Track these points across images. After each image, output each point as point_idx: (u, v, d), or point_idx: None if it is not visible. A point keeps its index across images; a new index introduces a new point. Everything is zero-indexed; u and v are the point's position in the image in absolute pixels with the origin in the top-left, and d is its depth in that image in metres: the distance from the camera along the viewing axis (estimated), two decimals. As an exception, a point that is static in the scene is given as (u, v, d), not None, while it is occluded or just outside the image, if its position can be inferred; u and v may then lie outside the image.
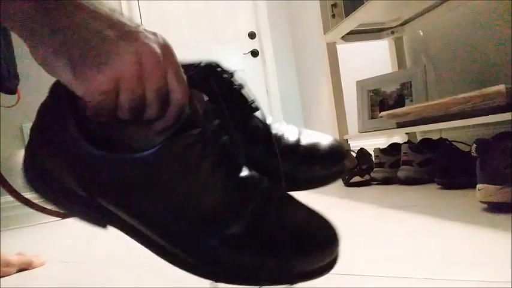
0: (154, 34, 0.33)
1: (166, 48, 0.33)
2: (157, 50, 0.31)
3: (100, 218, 0.35)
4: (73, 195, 0.35)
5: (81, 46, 0.28)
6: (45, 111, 0.35)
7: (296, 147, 0.50)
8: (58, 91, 0.33)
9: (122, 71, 0.29)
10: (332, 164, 0.51)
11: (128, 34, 0.30)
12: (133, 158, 0.32)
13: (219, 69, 0.49)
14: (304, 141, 0.52)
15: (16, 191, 0.79)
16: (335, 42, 1.54)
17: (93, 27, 0.29)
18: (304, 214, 0.37)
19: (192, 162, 0.33)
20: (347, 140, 1.55)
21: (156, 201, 0.32)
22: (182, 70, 0.34)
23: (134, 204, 0.33)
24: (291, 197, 0.38)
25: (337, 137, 1.54)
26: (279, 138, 0.49)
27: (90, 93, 0.30)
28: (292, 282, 0.34)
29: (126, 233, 0.35)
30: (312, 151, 0.51)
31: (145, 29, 0.32)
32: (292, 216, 0.36)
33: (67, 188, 0.35)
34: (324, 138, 0.54)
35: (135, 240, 0.35)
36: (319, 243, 0.35)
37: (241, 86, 0.49)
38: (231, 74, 0.50)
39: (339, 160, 0.52)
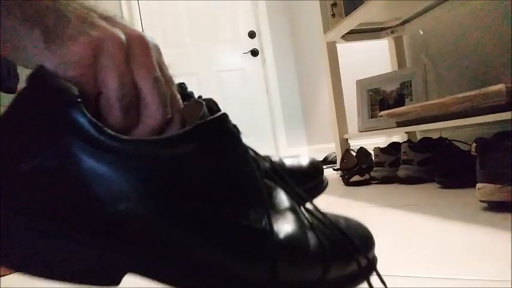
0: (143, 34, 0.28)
1: (143, 44, 0.27)
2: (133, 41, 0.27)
3: (114, 266, 0.24)
4: (63, 246, 0.22)
5: (57, 15, 0.25)
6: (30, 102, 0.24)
7: (283, 166, 0.57)
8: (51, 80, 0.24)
9: (100, 39, 0.25)
10: (311, 179, 0.60)
11: (109, 18, 0.28)
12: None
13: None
14: (287, 162, 0.59)
15: None
16: (335, 42, 1.54)
17: (71, 6, 0.26)
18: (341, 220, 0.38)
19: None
20: (347, 139, 1.55)
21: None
22: (171, 83, 0.29)
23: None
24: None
25: (338, 136, 1.55)
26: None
27: (64, 63, 0.25)
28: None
29: (155, 275, 0.26)
30: (294, 169, 0.59)
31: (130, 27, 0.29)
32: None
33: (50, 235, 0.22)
34: (303, 159, 0.62)
35: (167, 281, 0.27)
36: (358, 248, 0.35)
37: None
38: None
39: (318, 175, 0.61)
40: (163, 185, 0.24)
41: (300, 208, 0.35)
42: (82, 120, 0.23)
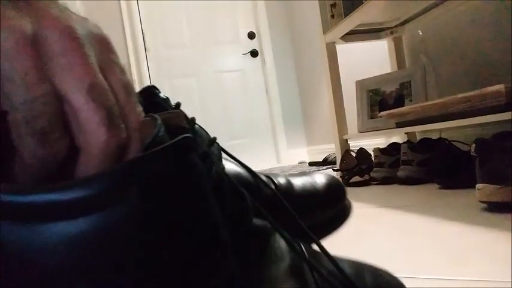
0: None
1: (67, 36, 0.18)
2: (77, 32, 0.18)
3: None
4: None
5: None
6: None
7: (290, 191, 0.42)
8: None
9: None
10: (330, 206, 0.44)
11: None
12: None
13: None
14: (297, 183, 0.44)
15: None
16: (334, 42, 1.54)
17: None
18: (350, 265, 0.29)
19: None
20: (347, 139, 1.55)
21: None
22: (126, 90, 0.20)
23: None
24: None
25: (337, 137, 1.55)
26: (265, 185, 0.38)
27: None
28: None
29: None
30: (307, 193, 0.43)
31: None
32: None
33: None
34: (318, 177, 0.46)
35: None
36: None
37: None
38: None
39: (338, 200, 0.45)
40: (91, 258, 0.16)
41: (307, 263, 0.26)
42: None
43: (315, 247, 0.29)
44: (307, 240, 0.28)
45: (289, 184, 0.43)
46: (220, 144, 0.32)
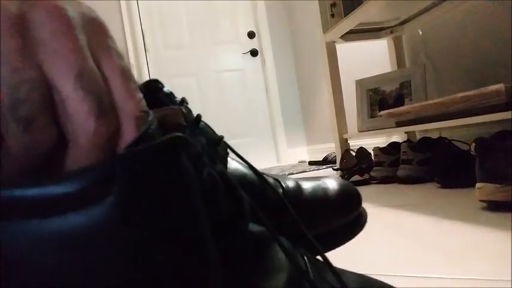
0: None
1: (56, 17, 0.17)
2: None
3: None
4: None
5: None
6: None
7: (299, 196, 0.39)
8: None
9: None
10: (343, 214, 0.41)
11: None
12: None
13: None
14: (307, 187, 0.41)
15: None
16: (334, 42, 1.54)
17: None
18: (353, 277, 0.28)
19: None
20: (347, 139, 1.55)
21: None
22: (124, 76, 0.19)
23: None
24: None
25: (337, 136, 1.55)
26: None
27: None
28: None
29: None
30: (317, 199, 0.40)
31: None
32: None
33: None
34: (330, 182, 0.43)
35: None
36: None
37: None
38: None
39: (353, 208, 0.42)
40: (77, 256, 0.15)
41: (305, 278, 0.24)
42: None
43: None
44: (312, 250, 0.26)
45: (299, 188, 0.41)
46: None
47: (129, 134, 0.18)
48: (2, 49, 0.15)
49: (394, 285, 0.37)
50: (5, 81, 0.15)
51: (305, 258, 0.26)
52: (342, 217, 0.42)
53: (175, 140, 0.17)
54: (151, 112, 0.19)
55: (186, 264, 0.17)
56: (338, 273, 0.25)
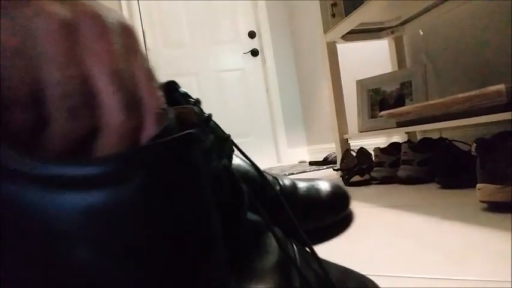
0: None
1: (96, 24, 0.20)
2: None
3: None
4: None
5: None
6: None
7: (294, 193, 0.43)
8: None
9: (29, 18, 0.18)
10: (332, 213, 0.45)
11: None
12: None
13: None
14: (302, 186, 0.45)
15: None
16: (335, 42, 1.54)
17: None
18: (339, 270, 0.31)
19: None
20: (347, 139, 1.55)
21: None
22: (148, 78, 0.22)
23: None
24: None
25: (338, 136, 1.54)
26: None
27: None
28: None
29: None
30: (310, 198, 0.44)
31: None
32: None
33: None
34: (323, 184, 0.48)
35: None
36: None
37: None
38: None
39: (341, 209, 0.46)
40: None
41: (291, 262, 0.27)
42: None
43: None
44: (303, 241, 0.29)
45: (294, 187, 0.45)
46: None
47: (150, 127, 0.21)
48: (53, 49, 0.18)
49: (394, 285, 0.37)
50: (55, 77, 0.18)
51: (294, 247, 0.29)
52: (332, 216, 0.46)
53: (190, 136, 0.20)
54: (170, 109, 0.22)
55: (193, 239, 0.20)
56: (321, 261, 0.28)
